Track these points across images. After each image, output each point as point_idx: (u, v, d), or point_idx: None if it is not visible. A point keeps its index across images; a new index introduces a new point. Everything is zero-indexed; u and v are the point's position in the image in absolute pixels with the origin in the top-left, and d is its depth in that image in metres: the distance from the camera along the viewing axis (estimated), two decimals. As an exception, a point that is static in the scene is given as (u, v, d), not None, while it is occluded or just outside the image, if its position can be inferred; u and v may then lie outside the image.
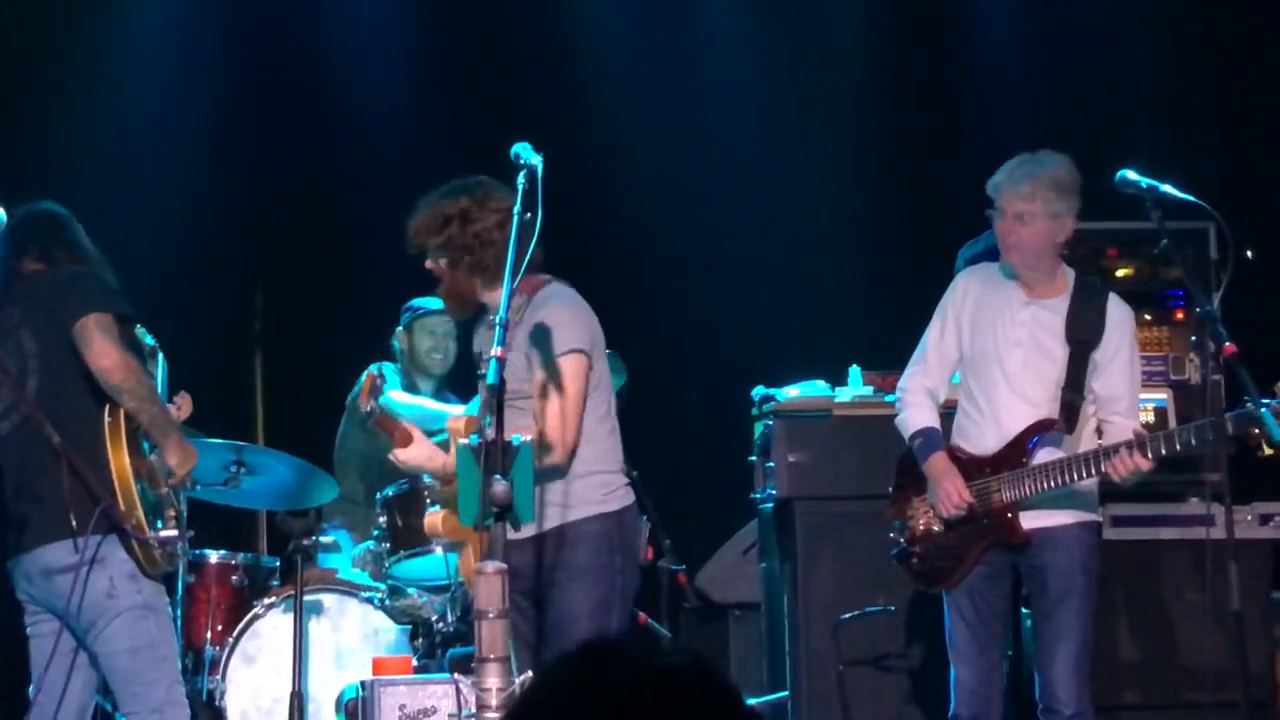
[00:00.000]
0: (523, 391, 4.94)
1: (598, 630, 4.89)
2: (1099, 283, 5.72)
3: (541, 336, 4.94)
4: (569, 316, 5.01)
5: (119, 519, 5.02)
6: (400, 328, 7.49)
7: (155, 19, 8.47)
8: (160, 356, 5.70)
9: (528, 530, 4.88)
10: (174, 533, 5.15)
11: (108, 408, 5.11)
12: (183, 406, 5.61)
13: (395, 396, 7.26)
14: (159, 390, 5.61)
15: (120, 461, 5.06)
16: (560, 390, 4.91)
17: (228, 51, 8.51)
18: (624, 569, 5.09)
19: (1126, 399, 5.48)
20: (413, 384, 7.40)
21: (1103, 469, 5.29)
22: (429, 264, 5.16)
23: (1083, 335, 5.44)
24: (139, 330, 5.71)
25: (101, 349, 5.05)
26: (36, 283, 5.24)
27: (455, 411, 5.38)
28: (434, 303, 7.42)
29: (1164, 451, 5.24)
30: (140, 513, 5.06)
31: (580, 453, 5.00)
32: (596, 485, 5.04)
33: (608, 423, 5.10)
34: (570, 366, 4.95)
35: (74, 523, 4.98)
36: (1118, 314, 5.50)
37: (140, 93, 8.37)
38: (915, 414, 5.57)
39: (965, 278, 5.68)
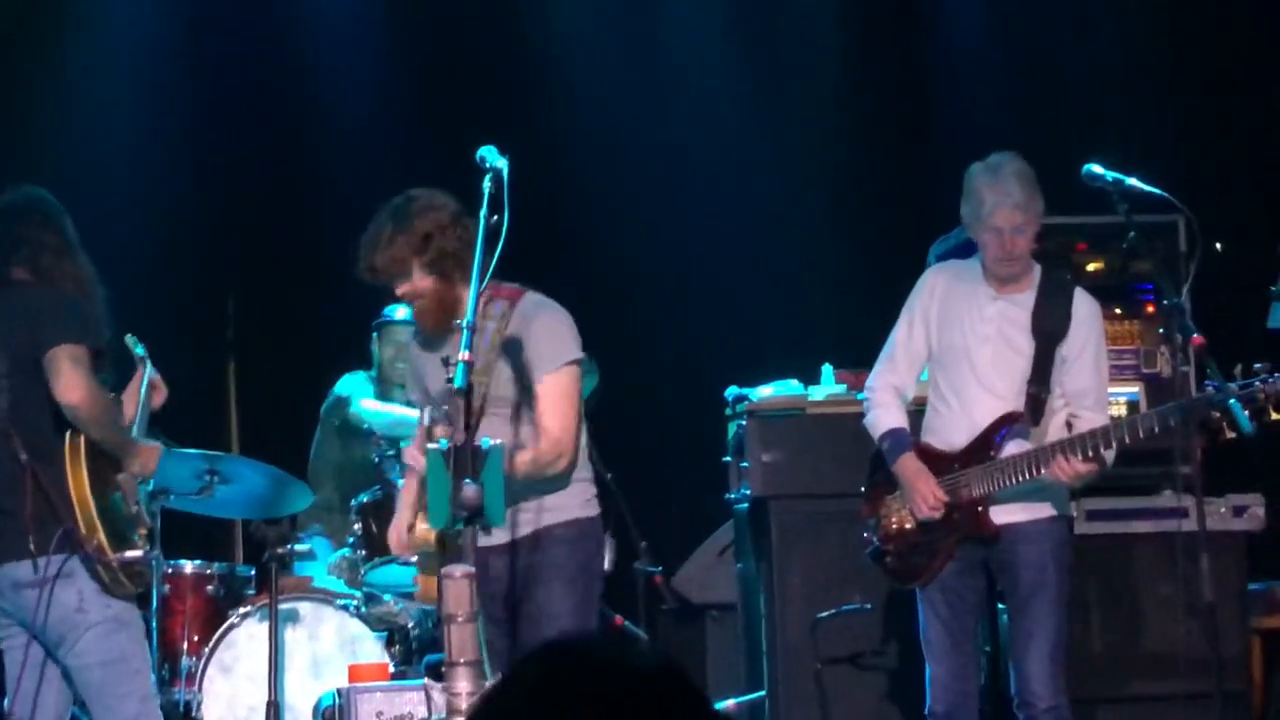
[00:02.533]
0: (505, 399, 4.94)
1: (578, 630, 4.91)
2: (1066, 277, 5.72)
3: (540, 347, 4.95)
4: (565, 329, 5.03)
5: (79, 541, 5.01)
6: (375, 335, 7.50)
7: (125, 30, 8.45)
8: (149, 364, 5.66)
9: (502, 535, 4.90)
10: (137, 553, 5.11)
11: (69, 432, 5.09)
12: (158, 388, 5.57)
13: (366, 405, 7.26)
14: (141, 396, 5.57)
15: (80, 484, 5.04)
16: (562, 401, 4.94)
17: (198, 60, 8.49)
18: (598, 575, 5.16)
19: (1094, 393, 5.49)
20: (387, 392, 7.40)
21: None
22: (405, 288, 5.03)
23: (1048, 329, 5.45)
24: (129, 339, 5.68)
25: (69, 382, 5.02)
26: (17, 298, 5.19)
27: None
28: (398, 312, 7.42)
29: (1127, 438, 5.25)
30: (101, 535, 5.03)
31: None
32: (577, 491, 5.08)
33: (584, 431, 5.13)
34: (569, 377, 4.99)
35: (33, 545, 4.98)
36: (1084, 308, 5.51)
37: (110, 103, 8.35)
38: (882, 414, 5.57)
39: (932, 274, 5.69)
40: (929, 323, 5.57)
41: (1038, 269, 5.55)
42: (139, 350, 5.70)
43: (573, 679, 1.97)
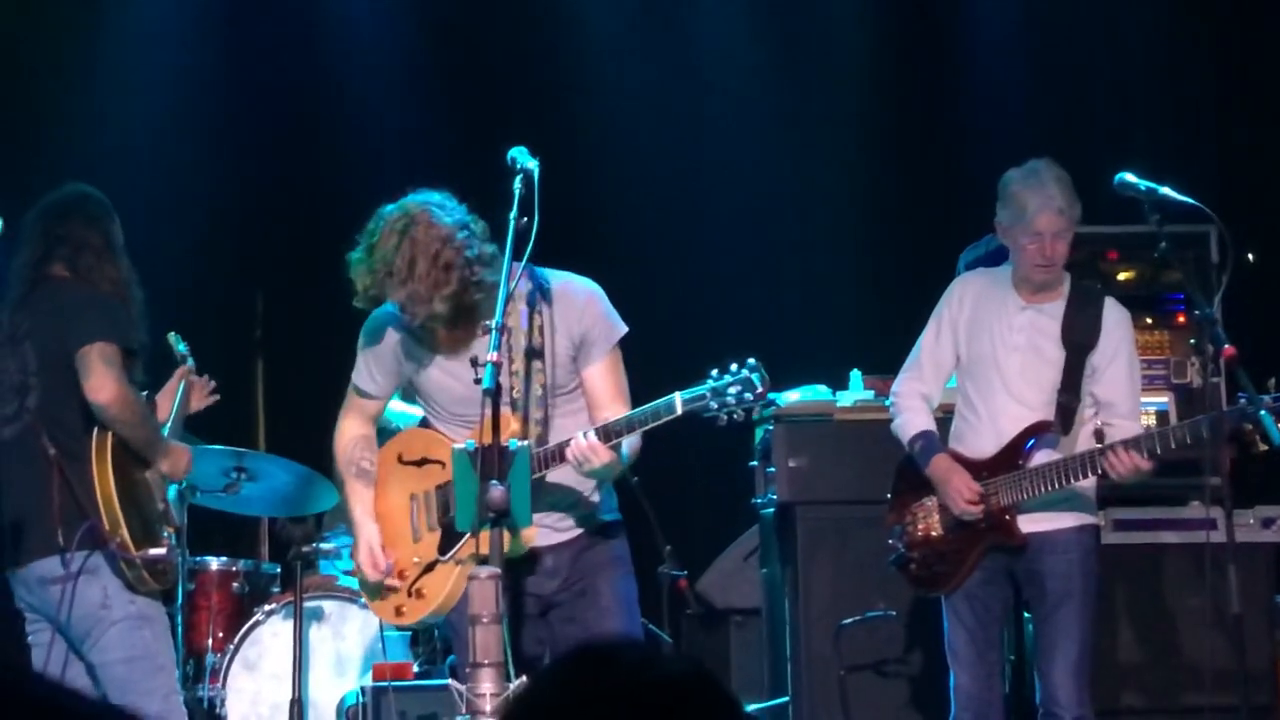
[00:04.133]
0: (564, 388, 4.85)
1: (632, 624, 4.85)
2: (1096, 286, 5.71)
3: (597, 329, 4.82)
4: (607, 302, 4.88)
5: (103, 537, 5.01)
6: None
7: (154, 27, 8.48)
8: (190, 361, 5.66)
9: (570, 533, 4.85)
10: (161, 551, 5.11)
11: (96, 429, 5.10)
12: (199, 390, 5.58)
13: (392, 405, 7.24)
14: (177, 396, 5.58)
15: (105, 480, 5.05)
16: (622, 380, 4.88)
17: (226, 59, 8.51)
18: None
19: (1127, 402, 5.46)
20: (411, 394, 7.38)
21: (1100, 470, 5.27)
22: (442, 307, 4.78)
23: (1079, 338, 5.43)
24: (171, 337, 5.69)
25: (99, 381, 5.02)
26: (55, 295, 5.19)
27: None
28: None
29: (1159, 449, 5.22)
30: (125, 532, 5.04)
31: None
32: (612, 490, 5.01)
33: None
34: (618, 355, 4.90)
35: (61, 539, 4.99)
36: (1114, 317, 5.49)
37: (138, 101, 8.37)
38: (911, 418, 5.55)
39: (961, 283, 5.67)
40: (957, 331, 5.55)
41: (1068, 278, 5.53)
42: (180, 348, 5.71)
43: (605, 682, 1.96)
